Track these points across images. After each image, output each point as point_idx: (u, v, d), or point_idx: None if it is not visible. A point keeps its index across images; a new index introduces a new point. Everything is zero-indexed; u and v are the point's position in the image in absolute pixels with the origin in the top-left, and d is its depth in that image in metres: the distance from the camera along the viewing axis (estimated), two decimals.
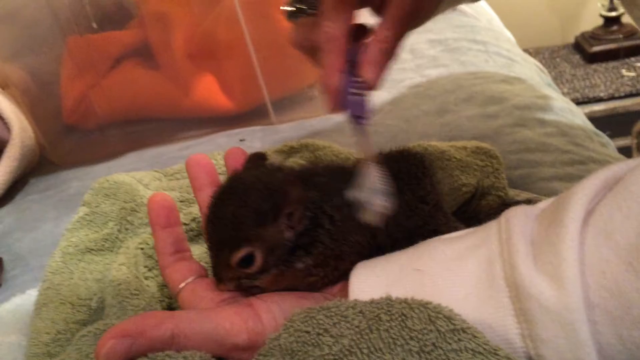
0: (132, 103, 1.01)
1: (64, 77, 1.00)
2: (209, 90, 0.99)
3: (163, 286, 0.56)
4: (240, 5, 0.89)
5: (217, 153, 0.75)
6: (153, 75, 1.02)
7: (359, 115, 0.43)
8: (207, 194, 0.48)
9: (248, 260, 0.41)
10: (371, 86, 0.43)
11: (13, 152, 0.86)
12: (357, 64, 0.43)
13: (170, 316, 0.37)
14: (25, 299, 0.57)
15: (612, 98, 1.63)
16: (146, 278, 0.58)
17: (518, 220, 0.36)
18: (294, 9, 0.50)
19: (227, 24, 0.94)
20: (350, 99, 0.43)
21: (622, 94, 1.62)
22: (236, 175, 0.45)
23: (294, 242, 0.42)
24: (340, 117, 0.91)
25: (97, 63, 0.99)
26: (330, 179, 0.44)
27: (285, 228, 0.42)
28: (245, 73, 0.94)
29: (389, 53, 0.43)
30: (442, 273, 0.37)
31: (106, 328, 0.44)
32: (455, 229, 0.48)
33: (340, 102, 0.43)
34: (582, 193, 0.35)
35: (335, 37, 0.43)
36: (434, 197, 0.47)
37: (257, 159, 0.48)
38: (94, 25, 0.93)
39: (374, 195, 0.41)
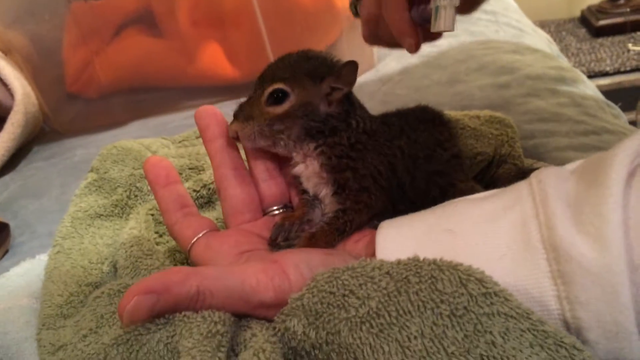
0: (136, 71, 0.99)
1: (66, 44, 0.99)
2: (214, 59, 0.98)
3: (175, 251, 0.56)
4: None
5: None
6: (156, 43, 1.00)
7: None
8: (219, 144, 0.47)
9: (280, 99, 0.44)
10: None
11: (17, 118, 0.84)
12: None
13: (195, 272, 0.36)
14: (35, 264, 0.56)
15: (617, 72, 1.61)
16: (157, 244, 0.57)
17: (551, 181, 0.36)
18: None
19: None
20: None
21: (628, 69, 1.60)
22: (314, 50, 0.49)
23: (322, 126, 0.45)
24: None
25: (100, 30, 0.97)
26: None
27: (324, 98, 0.45)
28: (252, 41, 0.92)
29: None
30: (475, 234, 0.36)
31: (120, 288, 0.44)
32: (473, 188, 0.48)
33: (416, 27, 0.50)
34: (624, 154, 0.34)
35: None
36: (452, 146, 0.48)
37: None
38: None
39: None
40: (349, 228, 0.44)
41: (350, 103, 0.46)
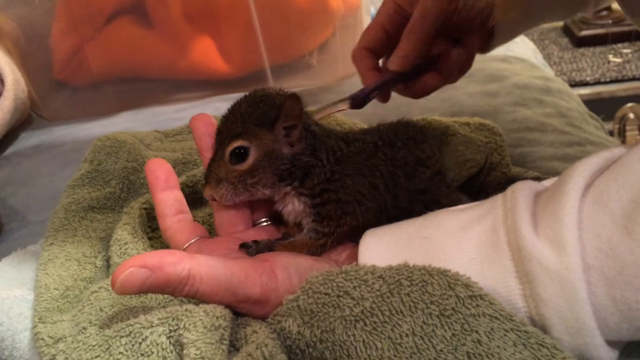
0: (126, 61, 0.99)
1: (55, 30, 0.98)
2: (206, 53, 0.98)
3: (167, 247, 0.57)
4: None
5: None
6: (147, 34, 1.00)
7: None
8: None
9: (242, 155, 0.44)
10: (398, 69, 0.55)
11: (6, 104, 0.84)
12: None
13: (189, 257, 0.38)
14: (27, 254, 0.56)
15: (598, 83, 1.64)
16: (150, 238, 0.58)
17: (523, 192, 0.38)
18: None
19: None
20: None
21: (608, 79, 1.64)
22: (263, 88, 0.47)
23: (291, 167, 0.45)
24: (342, 87, 0.91)
25: (92, 17, 0.97)
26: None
27: (283, 140, 0.44)
28: (245, 37, 0.93)
29: (417, 41, 0.53)
30: (448, 240, 0.38)
31: None
32: (458, 200, 0.49)
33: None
34: (583, 168, 0.37)
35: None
36: (434, 163, 0.48)
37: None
38: None
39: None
40: (331, 244, 0.45)
41: (313, 136, 0.45)
